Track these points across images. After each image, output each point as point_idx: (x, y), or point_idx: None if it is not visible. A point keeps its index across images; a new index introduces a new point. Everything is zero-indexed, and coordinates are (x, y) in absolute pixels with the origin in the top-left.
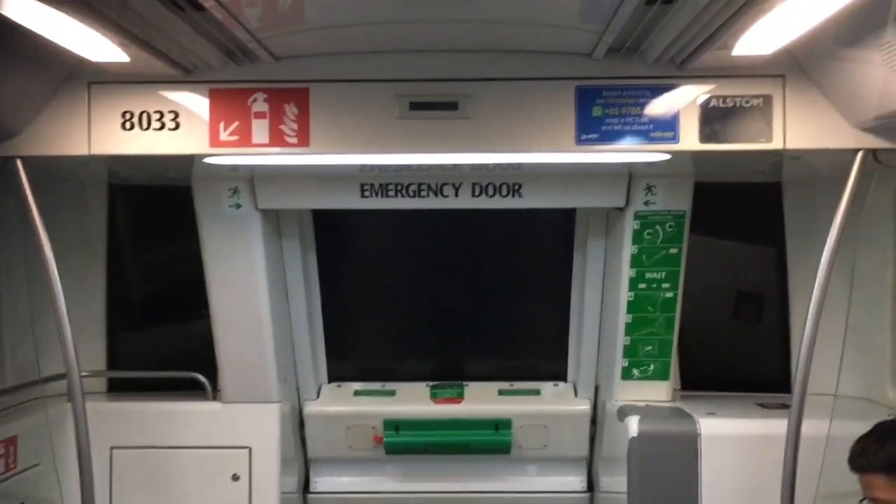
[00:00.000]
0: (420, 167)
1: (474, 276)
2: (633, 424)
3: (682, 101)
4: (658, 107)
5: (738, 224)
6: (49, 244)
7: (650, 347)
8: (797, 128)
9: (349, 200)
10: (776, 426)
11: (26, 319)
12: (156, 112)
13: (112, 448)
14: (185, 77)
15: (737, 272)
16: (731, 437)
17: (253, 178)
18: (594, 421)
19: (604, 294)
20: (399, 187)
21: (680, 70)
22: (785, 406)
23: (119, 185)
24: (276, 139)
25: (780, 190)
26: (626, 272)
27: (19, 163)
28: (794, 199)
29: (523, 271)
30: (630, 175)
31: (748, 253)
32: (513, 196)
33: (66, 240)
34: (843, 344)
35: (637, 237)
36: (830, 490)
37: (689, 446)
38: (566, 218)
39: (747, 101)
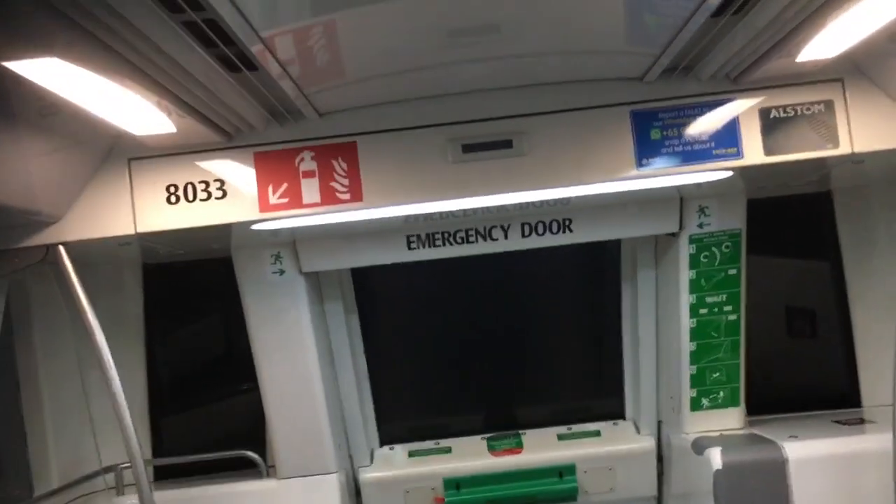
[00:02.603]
0: (466, 212)
1: (519, 320)
2: (716, 456)
3: (742, 114)
4: (718, 123)
5: (789, 238)
6: (101, 330)
7: (718, 374)
8: (864, 130)
9: (396, 254)
10: (863, 442)
11: (66, 415)
12: (201, 182)
13: None
14: (228, 143)
15: (791, 288)
16: (819, 458)
17: (295, 241)
18: (659, 458)
19: (659, 324)
20: (446, 235)
21: (735, 84)
22: (863, 421)
23: (152, 266)
24: (328, 197)
25: (831, 199)
26: (686, 299)
27: (62, 249)
28: (846, 207)
29: (569, 310)
30: (681, 198)
31: (802, 267)
32: (564, 232)
33: (103, 327)
34: None
35: (694, 261)
36: None
37: (777, 473)
38: (610, 250)
39: (808, 108)
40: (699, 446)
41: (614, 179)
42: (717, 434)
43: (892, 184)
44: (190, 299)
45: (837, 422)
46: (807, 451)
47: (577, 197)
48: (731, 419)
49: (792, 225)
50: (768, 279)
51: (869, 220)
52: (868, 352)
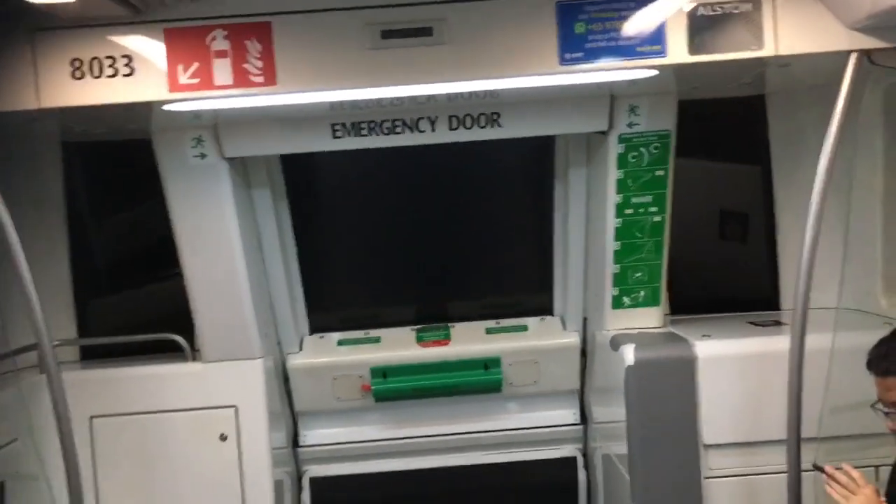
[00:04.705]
0: (393, 102)
1: (452, 213)
2: (629, 353)
3: (669, 11)
4: (643, 19)
5: (720, 142)
6: (5, 208)
7: (640, 274)
8: (789, 32)
9: (320, 142)
10: (772, 343)
11: None
12: (107, 58)
13: (92, 417)
14: (137, 17)
15: (720, 191)
16: (728, 357)
17: (217, 125)
18: (584, 353)
19: (588, 223)
20: (372, 125)
21: None
22: (777, 323)
23: (73, 143)
24: (241, 79)
25: (764, 103)
26: (612, 198)
27: None
28: (779, 111)
29: (503, 205)
30: (612, 96)
31: (731, 171)
32: (492, 126)
33: (21, 204)
34: (844, 255)
35: (622, 161)
36: (838, 402)
37: (686, 370)
38: (544, 147)
39: (736, 7)
40: (616, 343)
41: (536, 73)
42: (636, 332)
43: (822, 89)
44: (115, 180)
45: (753, 323)
46: (716, 349)
47: (505, 90)
48: (650, 318)
49: (724, 128)
50: (698, 181)
51: (799, 125)
52: (790, 256)
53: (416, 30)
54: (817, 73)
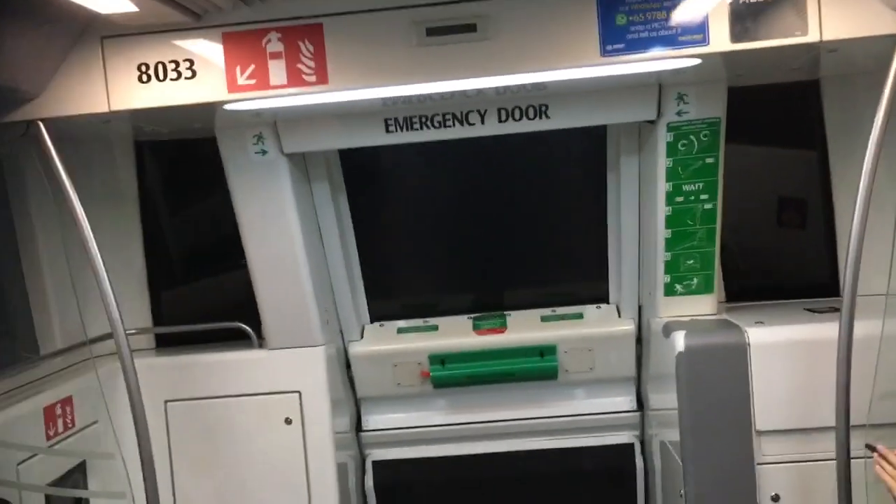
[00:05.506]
0: (443, 96)
1: (508, 203)
2: (680, 339)
3: (710, 0)
4: (685, 8)
5: (776, 128)
6: (80, 205)
7: (692, 261)
8: (833, 17)
9: (374, 137)
10: (826, 330)
11: (67, 283)
12: (171, 62)
13: (166, 401)
14: (197, 23)
15: (776, 178)
16: (781, 344)
17: (276, 122)
18: (640, 340)
19: (641, 211)
20: (423, 119)
21: None
22: (834, 309)
23: (145, 142)
24: (294, 79)
25: (819, 88)
26: (662, 186)
27: (42, 125)
28: (834, 96)
29: (557, 195)
30: (660, 85)
31: (787, 157)
32: (540, 118)
33: (98, 201)
34: (895, 240)
35: (671, 149)
36: (889, 389)
37: (738, 357)
38: (597, 136)
39: None
40: (668, 329)
41: (578, 66)
42: (689, 319)
43: (876, 74)
44: (184, 176)
45: (810, 310)
46: (769, 336)
47: (552, 82)
48: (704, 305)
49: (779, 114)
50: (753, 169)
51: (855, 110)
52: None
53: (461, 26)
54: (868, 57)
